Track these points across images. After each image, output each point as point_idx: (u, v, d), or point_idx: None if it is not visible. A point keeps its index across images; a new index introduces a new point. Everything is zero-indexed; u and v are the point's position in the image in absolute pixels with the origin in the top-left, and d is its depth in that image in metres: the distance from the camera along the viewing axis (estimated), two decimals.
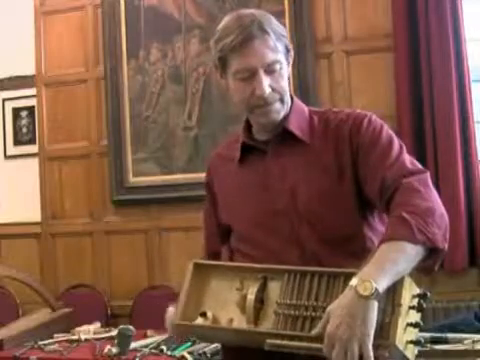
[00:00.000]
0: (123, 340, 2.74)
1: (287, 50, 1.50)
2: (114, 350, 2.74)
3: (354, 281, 1.24)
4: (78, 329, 3.14)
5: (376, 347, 1.21)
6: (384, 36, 3.62)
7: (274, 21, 1.50)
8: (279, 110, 1.50)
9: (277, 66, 1.46)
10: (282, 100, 1.49)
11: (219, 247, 1.67)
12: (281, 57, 1.47)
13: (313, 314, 1.32)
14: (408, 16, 3.50)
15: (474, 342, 2.46)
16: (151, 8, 3.96)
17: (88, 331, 3.12)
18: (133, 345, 2.78)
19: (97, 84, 4.09)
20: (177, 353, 2.72)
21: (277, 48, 1.46)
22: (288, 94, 1.52)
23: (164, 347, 2.78)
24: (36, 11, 4.19)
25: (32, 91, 4.22)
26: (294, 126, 1.52)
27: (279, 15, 3.72)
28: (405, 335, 1.26)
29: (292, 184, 1.48)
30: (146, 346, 2.83)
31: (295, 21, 3.70)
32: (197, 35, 3.84)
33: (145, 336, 3.00)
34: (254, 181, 1.53)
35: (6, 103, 4.32)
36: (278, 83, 1.47)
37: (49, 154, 4.17)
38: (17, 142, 4.30)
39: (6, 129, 4.32)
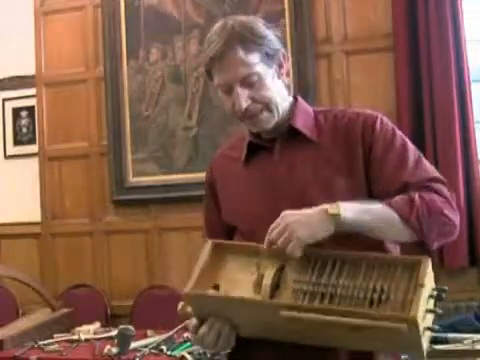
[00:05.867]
0: (123, 340, 2.74)
1: (269, 55, 1.47)
2: (114, 350, 2.74)
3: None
4: (78, 329, 3.14)
5: (397, 320, 1.21)
6: (384, 36, 3.62)
7: (254, 32, 1.46)
8: (268, 119, 1.49)
9: (253, 78, 1.45)
10: (268, 108, 1.48)
11: None
12: (256, 68, 1.45)
13: (332, 291, 1.32)
14: (408, 16, 3.50)
15: (474, 342, 2.47)
16: (151, 8, 3.97)
17: (88, 331, 3.12)
18: (133, 345, 2.79)
19: (97, 84, 4.09)
20: (177, 353, 2.72)
21: (249, 61, 1.44)
22: (276, 101, 1.49)
23: (164, 347, 2.78)
24: (36, 11, 4.19)
25: (32, 91, 4.22)
26: (300, 124, 1.52)
27: (279, 15, 3.73)
28: (424, 321, 1.26)
29: (301, 182, 1.48)
30: (146, 346, 2.83)
31: (295, 21, 3.70)
32: (197, 35, 3.85)
33: (145, 336, 3.00)
34: (261, 180, 1.53)
35: (6, 103, 4.32)
36: (258, 93, 1.46)
37: (49, 154, 4.17)
38: (17, 142, 4.30)
39: (6, 129, 4.32)
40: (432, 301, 1.30)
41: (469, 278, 3.42)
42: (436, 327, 1.30)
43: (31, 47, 4.18)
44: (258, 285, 1.36)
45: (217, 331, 1.39)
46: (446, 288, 1.32)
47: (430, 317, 1.30)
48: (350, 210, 1.33)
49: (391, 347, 1.36)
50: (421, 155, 1.49)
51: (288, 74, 1.57)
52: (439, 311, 1.30)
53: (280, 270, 1.36)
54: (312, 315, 1.27)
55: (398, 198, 1.38)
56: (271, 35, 1.49)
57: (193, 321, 1.43)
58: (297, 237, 1.31)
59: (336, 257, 1.36)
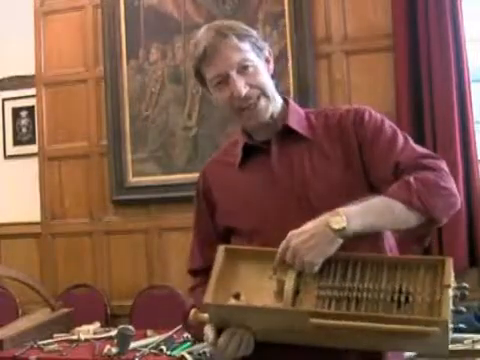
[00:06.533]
0: (123, 340, 2.74)
1: (258, 47, 1.52)
2: (114, 350, 2.74)
3: (329, 213, 1.31)
4: (78, 329, 3.14)
5: (428, 324, 1.21)
6: (384, 36, 3.62)
7: (239, 26, 1.52)
8: (266, 107, 1.50)
9: (247, 64, 1.48)
10: (265, 95, 1.50)
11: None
12: (249, 55, 1.49)
13: (358, 295, 1.30)
14: (408, 16, 3.50)
15: (474, 342, 2.47)
16: (151, 8, 3.96)
17: (88, 331, 3.13)
18: (133, 345, 2.79)
19: (97, 84, 4.09)
20: (177, 353, 2.72)
21: (242, 48, 1.48)
22: (271, 89, 1.52)
23: (164, 347, 2.78)
24: (36, 11, 4.19)
25: (32, 91, 4.22)
26: (294, 123, 1.54)
27: (279, 15, 3.73)
28: (450, 321, 1.25)
29: (302, 179, 1.49)
30: (146, 346, 2.83)
31: (295, 21, 3.70)
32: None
33: (145, 336, 3.00)
34: (260, 181, 1.53)
35: (6, 103, 4.32)
36: (254, 79, 1.48)
37: (49, 154, 4.17)
38: (17, 142, 4.30)
39: (6, 129, 4.32)
40: (453, 301, 1.30)
41: (469, 278, 3.41)
42: (463, 326, 1.31)
43: (31, 47, 4.18)
44: (279, 292, 1.34)
45: (238, 339, 1.36)
46: (467, 285, 1.31)
47: (452, 316, 1.30)
48: (354, 217, 1.32)
49: (417, 347, 1.35)
50: (409, 138, 1.51)
51: (280, 76, 1.58)
52: (464, 310, 1.30)
53: (300, 275, 1.34)
54: (342, 322, 1.25)
55: (394, 186, 1.39)
56: (255, 33, 1.54)
57: (210, 331, 1.39)
58: (309, 261, 1.31)
59: (357, 259, 1.35)
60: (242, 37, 1.49)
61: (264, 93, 1.50)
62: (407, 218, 1.36)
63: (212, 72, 1.49)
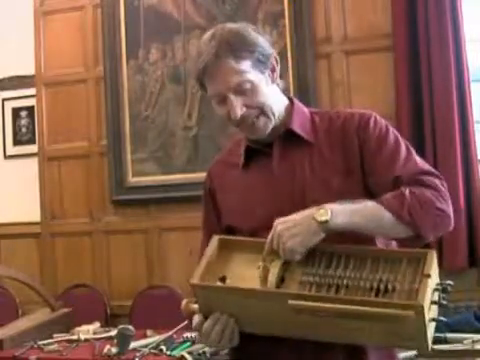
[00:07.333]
0: (123, 340, 2.74)
1: (261, 61, 1.47)
2: (114, 350, 2.74)
3: (317, 207, 1.35)
4: (78, 329, 3.14)
5: (404, 308, 1.23)
6: (384, 36, 3.62)
7: (243, 37, 1.46)
8: (265, 124, 1.49)
9: (246, 85, 1.45)
10: (264, 114, 1.48)
11: None
12: (248, 75, 1.45)
13: (339, 282, 1.33)
14: (408, 16, 3.50)
15: (474, 342, 2.47)
16: (151, 8, 3.96)
17: (88, 331, 3.12)
18: (133, 345, 2.79)
19: (97, 84, 4.09)
20: (176, 353, 2.72)
21: (240, 69, 1.44)
22: (271, 104, 1.49)
23: (164, 347, 2.78)
24: (36, 11, 4.19)
25: (32, 91, 4.22)
26: (297, 127, 1.53)
27: (279, 15, 3.73)
28: (430, 312, 1.27)
29: (301, 184, 1.49)
30: (146, 346, 2.83)
31: (295, 21, 3.70)
32: (197, 35, 3.84)
33: (145, 336, 3.00)
34: (261, 183, 1.54)
35: (6, 103, 4.33)
36: (252, 99, 1.46)
37: (49, 154, 4.17)
38: (17, 142, 4.30)
39: (6, 129, 4.32)
40: (437, 294, 1.31)
41: (469, 278, 3.42)
42: (443, 319, 1.31)
43: (31, 47, 4.18)
44: (264, 278, 1.37)
45: (222, 325, 1.39)
46: (451, 282, 1.32)
47: (435, 309, 1.31)
48: (339, 214, 1.34)
49: (396, 340, 1.34)
50: (412, 150, 1.50)
51: (280, 76, 1.56)
52: (444, 302, 1.31)
53: (286, 263, 1.37)
54: (319, 304, 1.28)
55: (388, 195, 1.39)
56: (262, 41, 1.49)
57: (197, 318, 1.43)
58: (289, 248, 1.33)
59: (342, 251, 1.38)
60: (243, 55, 1.44)
61: (263, 112, 1.48)
62: (393, 228, 1.38)
63: (211, 90, 1.48)
